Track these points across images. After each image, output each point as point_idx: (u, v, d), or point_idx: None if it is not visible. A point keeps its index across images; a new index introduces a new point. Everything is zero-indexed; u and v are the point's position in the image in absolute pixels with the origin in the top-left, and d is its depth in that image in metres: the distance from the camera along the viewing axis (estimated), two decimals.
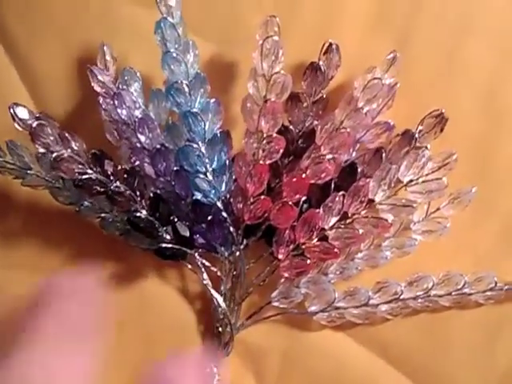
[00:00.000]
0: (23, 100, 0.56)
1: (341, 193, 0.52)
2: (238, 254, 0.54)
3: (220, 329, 0.55)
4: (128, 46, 0.55)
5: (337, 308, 0.54)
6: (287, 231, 0.52)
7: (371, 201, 0.52)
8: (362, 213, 0.52)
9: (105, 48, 0.53)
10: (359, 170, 0.52)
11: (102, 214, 0.53)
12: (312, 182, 0.52)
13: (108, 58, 0.53)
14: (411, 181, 0.52)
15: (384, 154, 0.52)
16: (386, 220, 0.51)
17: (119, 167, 0.52)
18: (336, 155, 0.51)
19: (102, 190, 0.51)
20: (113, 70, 0.53)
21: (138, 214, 0.52)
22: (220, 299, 0.54)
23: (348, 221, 0.52)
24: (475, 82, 0.56)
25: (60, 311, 0.49)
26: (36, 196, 0.56)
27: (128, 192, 0.51)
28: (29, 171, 0.52)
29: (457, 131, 0.55)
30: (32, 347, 0.47)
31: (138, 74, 0.53)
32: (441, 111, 0.51)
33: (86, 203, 0.53)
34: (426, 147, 0.51)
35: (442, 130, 0.51)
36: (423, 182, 0.52)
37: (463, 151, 0.54)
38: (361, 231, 0.52)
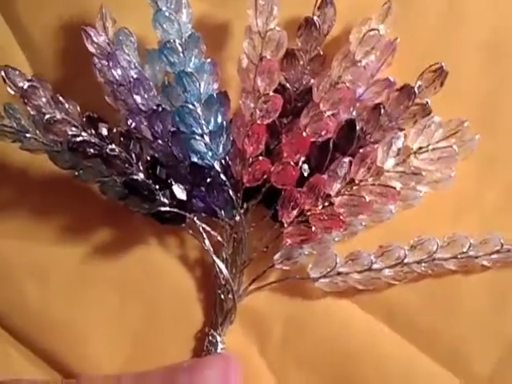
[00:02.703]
0: (20, 63, 0.56)
1: (347, 158, 0.50)
2: (238, 218, 0.53)
3: (222, 296, 0.54)
4: (125, 6, 0.54)
5: (339, 273, 0.53)
6: (292, 196, 0.51)
7: (379, 168, 0.50)
8: (369, 180, 0.50)
9: (104, 9, 0.52)
10: (358, 127, 0.51)
11: (102, 178, 0.52)
12: (313, 140, 0.51)
13: (107, 19, 0.52)
14: (420, 148, 0.50)
15: (382, 110, 0.50)
16: (394, 188, 0.50)
17: (114, 130, 0.51)
18: (335, 111, 0.50)
19: (97, 152, 0.50)
20: (112, 32, 0.52)
21: (135, 177, 0.51)
22: (222, 265, 0.53)
23: (355, 187, 0.51)
24: (478, 35, 0.55)
25: None
26: (31, 164, 0.56)
27: (123, 154, 0.51)
28: (27, 134, 0.51)
29: (460, 86, 0.54)
30: None
31: (133, 35, 0.52)
32: (440, 65, 0.50)
33: (85, 167, 0.52)
34: (427, 102, 0.50)
35: (442, 85, 0.50)
36: (433, 149, 0.50)
37: (467, 107, 0.54)
38: (368, 199, 0.50)
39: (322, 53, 0.52)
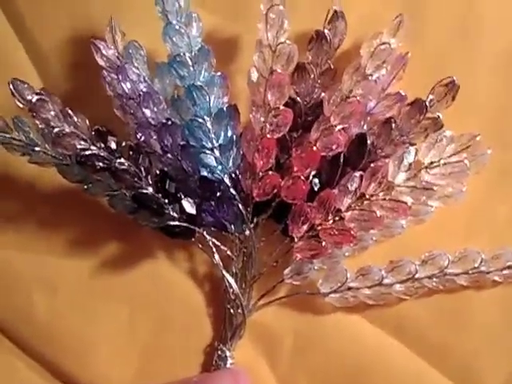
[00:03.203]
0: (29, 75, 0.56)
1: (358, 173, 0.50)
2: (248, 232, 0.52)
3: (232, 310, 0.53)
4: (134, 19, 0.54)
5: (349, 288, 0.52)
6: (303, 210, 0.51)
7: (390, 183, 0.50)
8: (380, 195, 0.50)
9: (113, 22, 0.52)
10: (369, 141, 0.50)
11: (111, 192, 0.52)
12: (323, 154, 0.50)
13: (116, 32, 0.52)
14: (432, 163, 0.50)
15: (393, 124, 0.50)
16: (405, 203, 0.50)
17: (124, 143, 0.51)
18: (346, 125, 0.50)
19: (106, 166, 0.50)
20: (121, 45, 0.52)
21: (144, 191, 0.51)
22: (231, 280, 0.53)
23: (365, 202, 0.50)
24: (492, 47, 0.55)
25: None
26: (40, 177, 0.55)
27: (132, 168, 0.50)
28: (36, 148, 0.51)
29: (473, 100, 0.54)
30: None
31: (143, 48, 0.52)
32: (452, 79, 0.49)
33: (94, 181, 0.52)
34: (438, 116, 0.49)
35: (453, 99, 0.49)
36: (444, 164, 0.50)
37: (480, 120, 0.53)
38: (378, 214, 0.50)
39: (332, 66, 0.52)
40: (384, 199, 0.50)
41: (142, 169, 0.51)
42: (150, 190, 0.51)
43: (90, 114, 0.52)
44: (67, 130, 0.50)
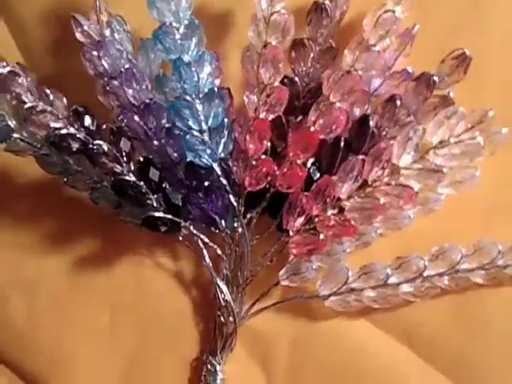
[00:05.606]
0: (9, 49, 0.53)
1: (360, 157, 0.46)
2: (240, 229, 0.48)
3: (222, 318, 0.49)
4: None
5: (351, 290, 0.48)
6: (299, 200, 0.46)
7: (394, 166, 0.46)
8: (384, 180, 0.46)
9: (98, 1, 0.48)
10: (372, 123, 0.46)
11: (93, 185, 0.48)
12: (322, 137, 0.46)
13: (102, 11, 0.48)
14: (441, 142, 0.45)
15: (398, 102, 0.46)
16: (412, 188, 0.45)
17: (104, 126, 0.47)
18: (347, 103, 0.46)
19: (82, 148, 0.46)
20: (105, 22, 0.49)
21: (126, 178, 0.47)
22: (222, 285, 0.49)
23: (368, 189, 0.46)
24: (507, 16, 0.51)
25: None
26: (15, 168, 0.52)
27: (112, 152, 0.46)
28: (13, 134, 0.47)
29: (487, 77, 0.50)
30: None
31: (127, 23, 0.49)
32: (463, 51, 0.45)
33: (74, 172, 0.48)
34: (449, 93, 0.46)
35: (465, 73, 0.46)
36: (455, 142, 0.45)
37: (494, 98, 0.50)
38: (382, 201, 0.45)
39: (334, 45, 0.48)
40: (388, 184, 0.45)
41: (124, 153, 0.47)
42: (132, 177, 0.47)
43: (71, 95, 0.48)
44: (40, 106, 0.46)
